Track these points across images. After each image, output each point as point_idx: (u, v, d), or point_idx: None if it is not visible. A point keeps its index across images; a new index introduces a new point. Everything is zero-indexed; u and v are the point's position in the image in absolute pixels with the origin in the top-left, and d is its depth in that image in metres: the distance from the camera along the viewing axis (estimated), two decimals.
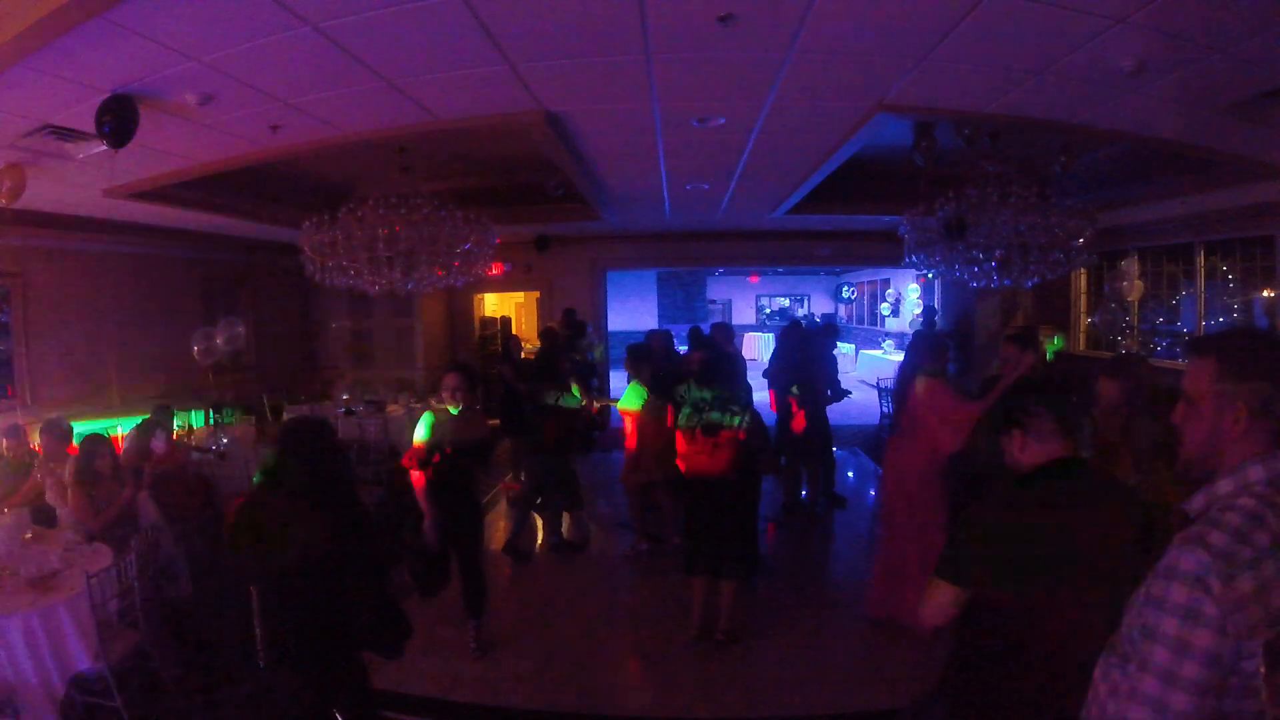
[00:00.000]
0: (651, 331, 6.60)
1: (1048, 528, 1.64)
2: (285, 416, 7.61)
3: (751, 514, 3.94)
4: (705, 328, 7.29)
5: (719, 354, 4.59)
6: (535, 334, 8.73)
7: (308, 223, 5.13)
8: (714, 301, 18.50)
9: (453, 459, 3.71)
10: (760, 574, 4.06)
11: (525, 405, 5.65)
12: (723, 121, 4.25)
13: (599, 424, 9.31)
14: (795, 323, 7.49)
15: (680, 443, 3.81)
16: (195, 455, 5.64)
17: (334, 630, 2.29)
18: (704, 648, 3.89)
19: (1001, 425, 1.85)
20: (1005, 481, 1.82)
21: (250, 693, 2.35)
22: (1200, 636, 1.07)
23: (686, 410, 3.81)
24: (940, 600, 1.73)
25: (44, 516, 4.09)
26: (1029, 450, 1.77)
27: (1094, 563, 1.61)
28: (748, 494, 3.88)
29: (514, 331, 12.13)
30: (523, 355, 7.45)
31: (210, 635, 4.07)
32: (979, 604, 1.69)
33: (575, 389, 5.36)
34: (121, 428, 6.15)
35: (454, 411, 3.76)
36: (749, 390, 4.28)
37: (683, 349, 7.33)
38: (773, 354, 6.91)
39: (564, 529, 5.72)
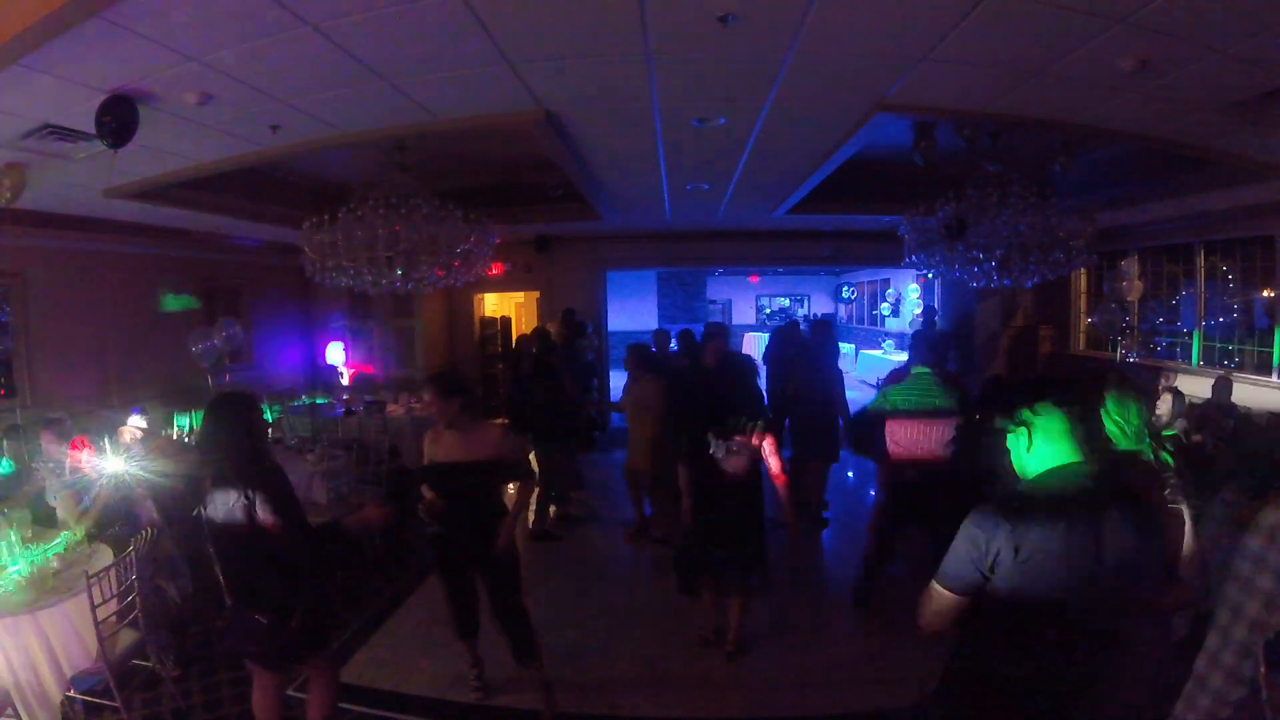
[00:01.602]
0: (659, 331, 6.65)
1: (1051, 538, 1.59)
2: (284, 416, 7.61)
3: (761, 524, 3.72)
4: (696, 329, 7.27)
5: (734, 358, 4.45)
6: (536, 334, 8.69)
7: (308, 223, 5.13)
8: (714, 301, 18.50)
9: (464, 485, 3.18)
10: (764, 587, 3.81)
11: (529, 399, 5.74)
12: (723, 121, 4.25)
13: (599, 424, 9.32)
14: (794, 324, 7.50)
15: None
16: (195, 455, 5.62)
17: (267, 574, 2.56)
18: (704, 649, 3.89)
19: (1008, 425, 1.79)
20: (1009, 486, 1.79)
21: (225, 627, 2.78)
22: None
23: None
24: (940, 607, 1.70)
25: (44, 516, 4.08)
26: (1036, 452, 1.72)
27: (1099, 572, 1.59)
28: (758, 503, 3.68)
29: (514, 332, 12.12)
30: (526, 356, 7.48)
31: (210, 635, 4.08)
32: (980, 606, 1.68)
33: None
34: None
35: (451, 431, 3.22)
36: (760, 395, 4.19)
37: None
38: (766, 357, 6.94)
39: (549, 517, 5.87)
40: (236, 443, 2.56)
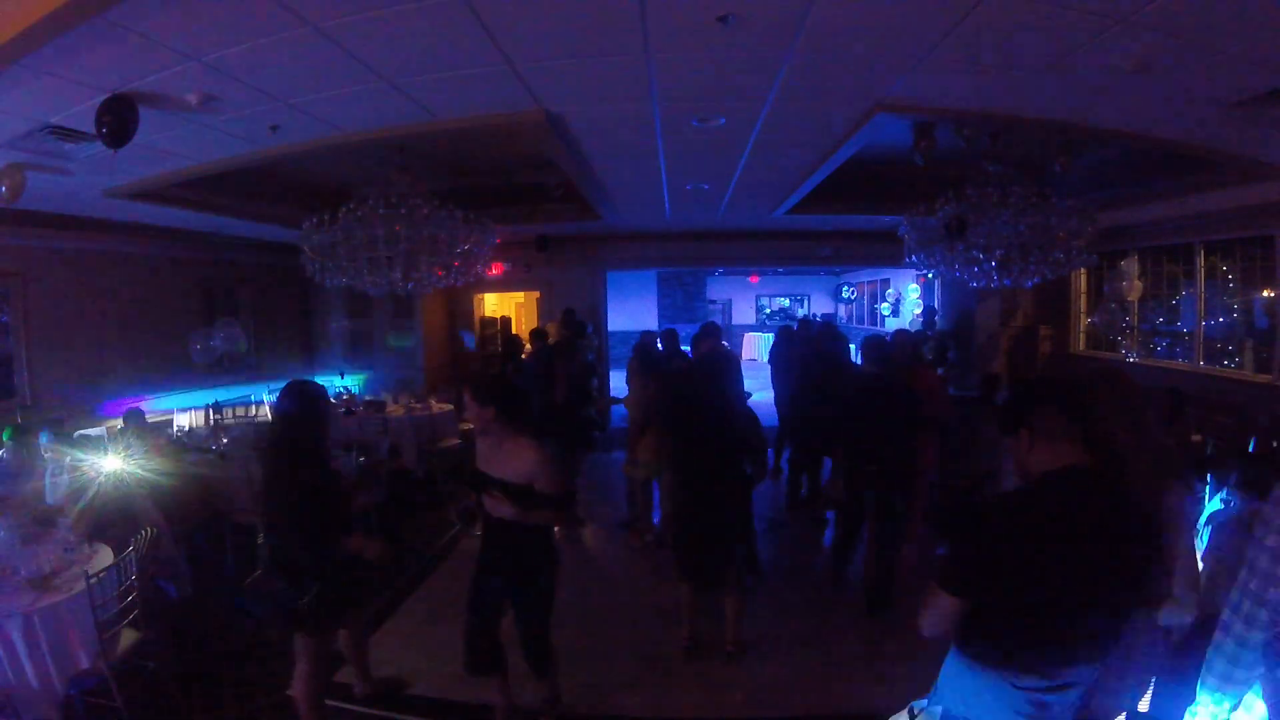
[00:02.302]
0: (648, 332, 6.62)
1: (1053, 543, 1.58)
2: None
3: (747, 520, 3.72)
4: (681, 329, 7.25)
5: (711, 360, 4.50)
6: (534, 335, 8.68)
7: (308, 223, 5.13)
8: (714, 301, 18.51)
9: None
10: (759, 582, 3.88)
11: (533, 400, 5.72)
12: (723, 121, 4.25)
13: (599, 424, 9.31)
14: (805, 322, 7.52)
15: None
16: (194, 455, 5.63)
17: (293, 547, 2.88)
18: (704, 651, 3.89)
19: (1008, 425, 1.77)
20: (1013, 489, 1.78)
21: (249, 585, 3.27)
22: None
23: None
24: (941, 610, 1.70)
25: (44, 517, 4.08)
26: (1038, 452, 1.70)
27: (1100, 577, 1.59)
28: (744, 500, 3.69)
29: (514, 331, 12.13)
30: (522, 355, 7.47)
31: (210, 635, 4.08)
32: (979, 607, 1.68)
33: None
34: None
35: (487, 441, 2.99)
36: (743, 394, 4.23)
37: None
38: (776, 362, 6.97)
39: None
40: (292, 425, 2.90)
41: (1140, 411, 2.03)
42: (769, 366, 7.31)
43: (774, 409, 7.07)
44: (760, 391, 7.83)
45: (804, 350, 6.54)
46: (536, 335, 6.92)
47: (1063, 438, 1.67)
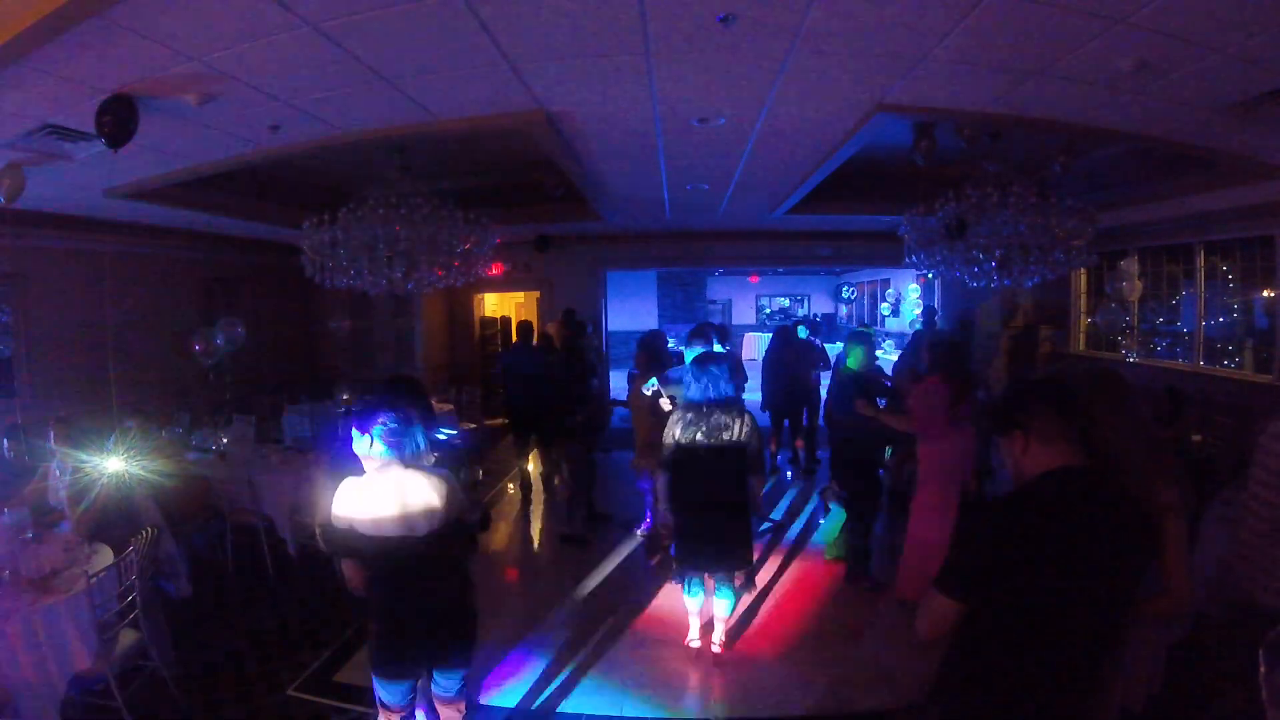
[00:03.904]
0: (654, 331, 6.64)
1: (1051, 544, 1.58)
2: (285, 417, 7.59)
3: (744, 522, 3.72)
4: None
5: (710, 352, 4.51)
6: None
7: (308, 223, 5.13)
8: (714, 301, 18.51)
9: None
10: (749, 585, 3.87)
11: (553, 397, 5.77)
12: (723, 121, 4.25)
13: (599, 424, 9.30)
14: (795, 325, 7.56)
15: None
16: (194, 455, 5.63)
17: None
18: (705, 652, 3.89)
19: (1002, 426, 1.76)
20: (1009, 490, 1.77)
21: None
22: None
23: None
24: (940, 614, 1.69)
25: (45, 516, 4.08)
26: (1032, 454, 1.69)
27: (1098, 577, 1.59)
28: (740, 501, 3.66)
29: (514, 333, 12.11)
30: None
31: (210, 635, 4.08)
32: (977, 608, 1.68)
33: None
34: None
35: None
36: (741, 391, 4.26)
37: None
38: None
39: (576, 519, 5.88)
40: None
41: (1135, 411, 2.03)
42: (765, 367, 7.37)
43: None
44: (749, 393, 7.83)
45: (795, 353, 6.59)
46: (523, 331, 6.84)
47: (1058, 439, 1.67)
